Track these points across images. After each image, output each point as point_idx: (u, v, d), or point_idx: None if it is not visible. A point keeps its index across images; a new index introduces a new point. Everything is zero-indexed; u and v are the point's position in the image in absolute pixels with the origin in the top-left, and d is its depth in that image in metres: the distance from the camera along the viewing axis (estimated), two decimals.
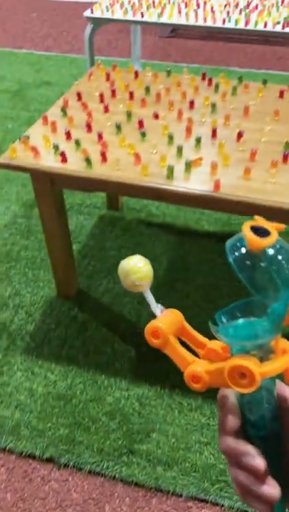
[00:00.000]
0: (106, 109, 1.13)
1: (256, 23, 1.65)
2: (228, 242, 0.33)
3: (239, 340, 0.33)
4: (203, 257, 1.47)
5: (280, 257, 0.31)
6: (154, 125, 1.07)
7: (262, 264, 0.32)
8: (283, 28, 1.63)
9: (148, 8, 1.80)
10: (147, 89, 1.20)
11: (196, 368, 0.34)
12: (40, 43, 3.12)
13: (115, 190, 1.03)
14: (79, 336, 1.24)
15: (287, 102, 1.15)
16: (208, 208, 0.94)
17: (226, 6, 1.81)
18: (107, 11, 1.79)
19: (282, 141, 1.00)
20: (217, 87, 1.22)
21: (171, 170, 0.89)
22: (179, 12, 1.74)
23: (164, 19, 1.73)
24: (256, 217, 0.34)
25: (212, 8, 1.78)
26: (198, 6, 1.82)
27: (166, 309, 0.39)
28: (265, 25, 1.64)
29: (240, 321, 0.33)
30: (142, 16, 1.74)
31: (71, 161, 0.95)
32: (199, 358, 0.35)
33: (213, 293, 1.35)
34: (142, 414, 1.06)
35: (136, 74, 1.29)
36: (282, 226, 0.33)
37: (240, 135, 1.01)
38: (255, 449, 0.33)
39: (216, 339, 0.35)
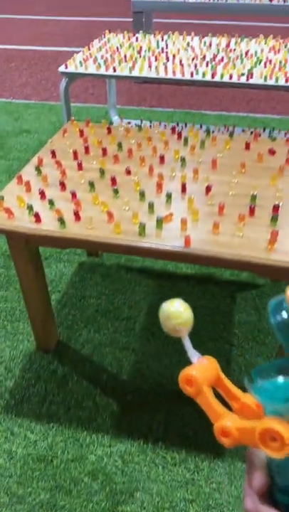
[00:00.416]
0: (80, 167, 1.16)
1: (222, 76, 1.75)
2: (271, 304, 0.33)
3: (273, 402, 0.31)
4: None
5: None
6: (127, 181, 1.11)
7: None
8: (247, 79, 1.72)
9: (120, 62, 1.89)
10: (120, 145, 1.25)
11: (226, 422, 0.33)
12: (19, 91, 3.22)
13: (89, 248, 1.05)
14: (59, 391, 1.22)
15: (253, 154, 1.20)
16: (180, 261, 0.96)
17: (193, 59, 1.91)
18: (81, 65, 1.88)
19: (248, 193, 1.04)
20: (186, 140, 1.27)
21: (143, 227, 0.92)
22: (150, 66, 1.83)
23: (136, 73, 1.81)
24: None
25: (180, 61, 1.88)
26: (167, 59, 1.93)
27: (202, 356, 0.38)
28: (231, 77, 1.74)
29: (277, 380, 0.32)
30: (114, 70, 1.83)
31: (45, 221, 0.97)
32: (232, 410, 0.34)
33: (194, 338, 1.35)
34: (125, 472, 1.04)
35: (108, 129, 1.34)
36: None
37: (208, 189, 1.05)
38: None
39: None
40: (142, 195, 1.04)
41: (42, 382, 1.24)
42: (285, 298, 0.32)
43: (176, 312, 0.40)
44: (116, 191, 1.05)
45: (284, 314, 0.31)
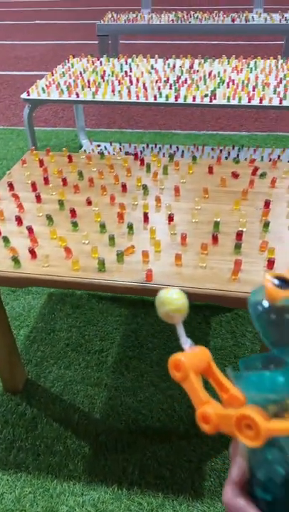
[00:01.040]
0: (38, 199, 1.12)
1: (185, 98, 1.74)
2: (251, 294, 0.33)
3: (250, 391, 0.32)
4: (156, 329, 1.43)
5: None
6: (87, 213, 1.07)
7: (281, 317, 0.31)
8: (211, 100, 1.72)
9: (83, 87, 1.88)
10: (80, 174, 1.21)
11: (208, 409, 0.33)
12: None
13: (47, 286, 1.00)
14: (28, 436, 1.15)
15: (216, 178, 1.18)
16: (143, 295, 0.92)
17: (157, 81, 1.91)
18: (44, 92, 1.85)
19: (211, 220, 1.01)
20: (149, 167, 1.24)
21: (102, 263, 0.88)
22: (113, 91, 1.82)
23: (99, 97, 1.80)
24: (287, 270, 0.33)
25: (144, 84, 1.88)
26: (131, 82, 1.92)
27: (195, 345, 0.39)
28: (194, 98, 1.73)
29: (255, 371, 0.32)
30: (77, 95, 1.81)
31: None
32: (221, 402, 0.34)
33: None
34: None
35: (69, 158, 1.31)
36: None
37: (171, 218, 1.02)
38: (255, 509, 0.31)
39: None
40: (103, 226, 1.00)
41: (9, 427, 1.17)
42: (262, 289, 0.32)
43: (170, 299, 0.41)
44: (75, 224, 1.01)
45: (263, 302, 0.31)
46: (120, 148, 2.53)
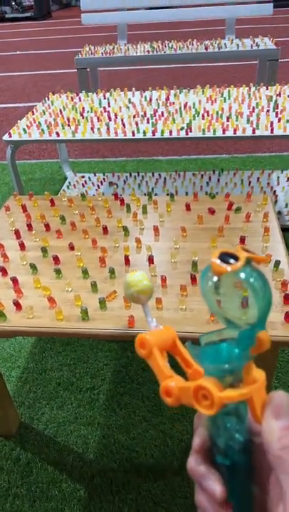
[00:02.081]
0: (22, 247, 1.15)
1: (162, 132, 1.80)
2: (201, 273, 0.35)
3: (207, 364, 0.33)
4: (146, 363, 1.45)
5: (248, 282, 0.31)
6: (69, 258, 1.10)
7: (229, 290, 0.32)
8: (187, 133, 1.79)
9: (63, 126, 1.93)
10: (63, 218, 1.25)
11: (170, 382, 0.35)
12: None
13: (32, 336, 1.02)
14: (23, 482, 1.16)
15: (193, 216, 1.22)
16: (126, 340, 0.94)
17: (134, 116, 1.97)
18: (25, 132, 1.90)
19: (190, 259, 1.05)
20: (129, 207, 1.28)
21: (85, 312, 0.90)
22: (92, 128, 1.87)
23: (79, 136, 1.85)
24: (238, 246, 0.34)
25: (122, 120, 1.94)
26: (109, 118, 1.98)
27: (160, 325, 0.41)
28: (171, 132, 1.79)
29: (219, 344, 0.33)
30: (58, 135, 1.86)
31: None
32: (186, 377, 0.35)
33: (161, 403, 1.32)
34: None
35: (52, 202, 1.35)
36: (264, 258, 0.34)
37: (151, 260, 1.05)
38: (215, 475, 0.32)
39: None
40: (85, 272, 1.03)
41: (4, 474, 1.18)
42: (209, 266, 0.33)
43: (135, 281, 0.46)
44: (58, 271, 1.04)
45: (212, 276, 0.32)
46: (104, 179, 2.59)
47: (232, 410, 0.33)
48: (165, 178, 2.50)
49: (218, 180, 2.43)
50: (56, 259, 1.08)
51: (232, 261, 0.32)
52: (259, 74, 3.31)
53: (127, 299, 0.45)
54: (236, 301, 0.33)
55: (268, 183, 2.37)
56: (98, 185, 2.52)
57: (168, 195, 1.35)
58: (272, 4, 3.19)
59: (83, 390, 1.37)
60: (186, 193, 2.33)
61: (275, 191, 2.29)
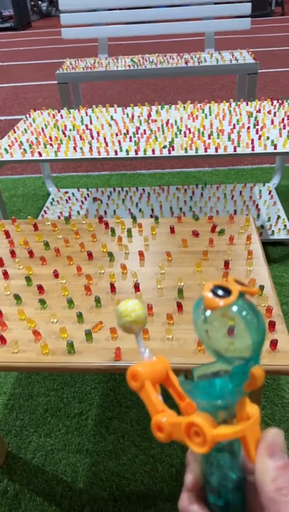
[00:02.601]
0: (5, 275, 1.14)
1: (145, 151, 1.81)
2: (193, 305, 0.34)
3: (200, 399, 0.32)
4: None
5: (242, 317, 0.31)
6: (54, 286, 1.09)
7: (223, 324, 0.31)
8: (169, 152, 1.80)
9: (45, 145, 1.92)
10: (47, 244, 1.24)
11: (161, 417, 0.34)
12: None
13: (18, 371, 1.00)
14: None
15: (178, 239, 1.23)
16: (113, 373, 0.94)
17: (117, 134, 1.98)
18: (6, 152, 1.89)
19: (176, 285, 1.05)
20: (113, 231, 1.28)
21: (71, 345, 0.90)
22: (75, 148, 1.87)
23: (61, 155, 1.84)
24: (230, 278, 0.34)
25: (105, 138, 1.94)
26: (92, 137, 1.98)
27: (154, 356, 0.39)
28: (153, 151, 1.80)
29: (205, 379, 0.33)
30: (40, 155, 1.85)
31: None
32: (179, 410, 0.35)
33: (149, 428, 1.31)
34: None
35: (35, 226, 1.33)
36: (257, 291, 0.33)
37: (137, 287, 1.05)
38: None
39: None
40: (70, 302, 1.02)
41: None
42: (202, 298, 0.32)
43: (127, 311, 0.42)
44: (43, 302, 1.03)
45: (204, 311, 0.32)
46: (88, 194, 2.58)
47: (225, 447, 0.32)
48: (149, 193, 2.51)
49: (202, 194, 2.45)
50: (40, 288, 1.07)
51: (221, 293, 0.32)
52: (239, 87, 3.36)
53: (120, 329, 0.44)
54: (223, 331, 0.33)
55: (250, 197, 2.40)
56: (82, 201, 2.51)
57: (152, 216, 1.35)
58: (249, 19, 3.26)
59: (71, 416, 1.36)
60: (171, 208, 2.34)
61: (257, 205, 2.32)
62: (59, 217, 2.36)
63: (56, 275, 1.13)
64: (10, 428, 1.34)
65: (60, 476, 1.21)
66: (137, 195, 2.52)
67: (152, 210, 2.35)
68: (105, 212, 2.37)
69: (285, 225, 2.15)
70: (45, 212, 2.44)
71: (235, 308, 0.32)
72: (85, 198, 2.54)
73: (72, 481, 1.20)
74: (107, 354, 0.89)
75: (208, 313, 0.32)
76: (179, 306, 0.99)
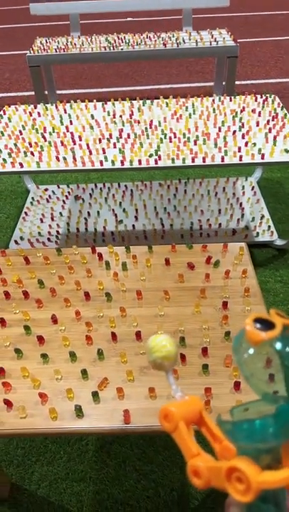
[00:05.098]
0: (3, 323, 1.11)
1: (131, 161, 1.76)
2: (234, 340, 0.32)
3: (241, 441, 0.30)
4: None
5: (285, 352, 0.29)
6: (54, 335, 1.08)
7: (269, 361, 0.30)
8: (156, 162, 1.75)
9: (25, 153, 1.83)
10: (41, 282, 1.21)
11: (199, 462, 0.31)
12: None
13: (27, 437, 0.98)
14: None
15: (174, 273, 1.23)
16: (123, 435, 0.95)
17: (100, 139, 1.90)
18: None
19: (176, 329, 1.06)
20: (108, 264, 1.26)
21: (79, 410, 0.90)
22: (57, 158, 1.79)
23: (44, 166, 1.77)
24: (272, 310, 0.32)
25: (88, 145, 1.86)
26: (74, 142, 1.90)
27: (186, 396, 0.37)
28: (140, 162, 1.75)
29: (246, 420, 0.30)
30: (21, 166, 1.77)
31: None
32: (214, 454, 0.32)
33: (150, 452, 1.36)
34: None
35: (26, 260, 1.30)
36: None
37: (138, 335, 1.05)
38: None
39: None
40: (73, 355, 1.02)
41: None
42: (243, 332, 0.31)
43: (158, 346, 0.41)
44: (45, 356, 1.02)
45: (246, 347, 0.30)
46: (69, 192, 2.51)
47: (269, 497, 0.29)
48: (132, 190, 2.47)
49: (185, 191, 2.43)
50: (41, 338, 1.06)
51: (257, 325, 0.30)
52: (218, 70, 3.27)
53: (150, 365, 0.43)
54: (265, 376, 0.31)
55: (234, 194, 2.40)
56: (63, 200, 2.44)
57: (136, 218, 1.33)
58: None
59: (72, 442, 1.39)
60: (155, 208, 2.31)
61: (241, 203, 2.32)
62: (41, 220, 2.30)
63: (55, 321, 1.11)
64: (12, 458, 1.36)
65: (66, 507, 1.25)
66: (119, 192, 2.47)
67: (136, 210, 2.31)
68: (88, 213, 2.31)
69: (270, 226, 2.17)
70: (25, 213, 2.36)
71: (279, 344, 0.30)
72: (66, 196, 2.47)
73: (78, 511, 1.24)
74: (116, 416, 0.91)
75: (251, 350, 0.30)
76: (183, 357, 1.00)
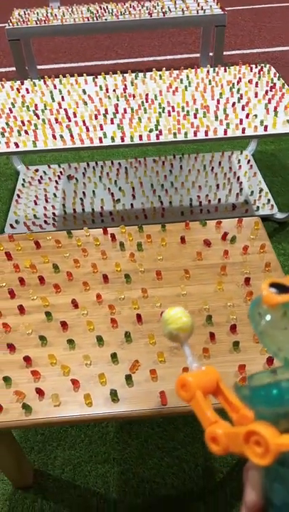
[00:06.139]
0: (22, 310, 1.07)
1: (132, 137, 1.70)
2: (250, 304, 0.33)
3: (259, 407, 0.30)
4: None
5: None
6: (76, 319, 1.05)
7: (281, 324, 0.30)
8: (158, 138, 1.70)
9: (19, 132, 1.75)
10: (56, 267, 1.17)
11: (217, 429, 0.32)
12: None
13: (63, 426, 0.95)
14: None
15: (191, 251, 1.20)
16: (159, 417, 0.94)
17: (96, 115, 1.83)
18: None
19: (200, 308, 1.05)
20: (122, 245, 1.23)
21: (115, 394, 0.88)
22: (54, 136, 1.72)
23: (41, 145, 1.69)
24: (287, 276, 0.32)
25: (84, 122, 1.79)
26: (68, 118, 1.82)
27: (202, 366, 0.38)
28: (140, 137, 1.70)
29: (263, 385, 0.30)
30: (17, 146, 1.69)
31: (6, 408, 0.89)
32: (232, 423, 0.32)
33: (170, 429, 1.37)
34: None
35: (37, 244, 1.25)
36: None
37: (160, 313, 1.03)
38: None
39: None
40: (100, 340, 0.99)
41: None
42: (260, 299, 0.31)
43: (173, 317, 0.41)
44: (71, 341, 0.99)
45: (263, 312, 0.31)
46: (61, 172, 2.43)
47: (288, 460, 0.28)
48: (126, 168, 2.41)
49: (181, 166, 2.39)
50: (64, 324, 1.03)
51: (272, 289, 0.30)
52: (204, 40, 3.18)
53: (167, 339, 0.42)
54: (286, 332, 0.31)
55: (230, 168, 2.37)
56: (56, 181, 2.37)
57: (134, 197, 1.30)
58: None
59: (91, 425, 1.38)
60: (152, 185, 2.27)
61: (238, 178, 2.30)
62: (35, 202, 2.22)
63: (75, 305, 1.08)
64: (32, 444, 1.35)
65: (93, 489, 1.25)
66: (113, 170, 2.40)
67: (133, 188, 2.26)
68: (84, 193, 2.25)
69: (269, 200, 2.16)
70: (18, 196, 2.28)
71: None
72: (59, 176, 2.40)
73: (105, 492, 1.24)
74: (152, 398, 0.89)
75: (268, 317, 0.30)
76: (212, 336, 0.99)
